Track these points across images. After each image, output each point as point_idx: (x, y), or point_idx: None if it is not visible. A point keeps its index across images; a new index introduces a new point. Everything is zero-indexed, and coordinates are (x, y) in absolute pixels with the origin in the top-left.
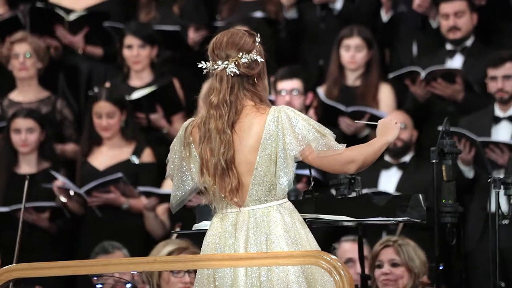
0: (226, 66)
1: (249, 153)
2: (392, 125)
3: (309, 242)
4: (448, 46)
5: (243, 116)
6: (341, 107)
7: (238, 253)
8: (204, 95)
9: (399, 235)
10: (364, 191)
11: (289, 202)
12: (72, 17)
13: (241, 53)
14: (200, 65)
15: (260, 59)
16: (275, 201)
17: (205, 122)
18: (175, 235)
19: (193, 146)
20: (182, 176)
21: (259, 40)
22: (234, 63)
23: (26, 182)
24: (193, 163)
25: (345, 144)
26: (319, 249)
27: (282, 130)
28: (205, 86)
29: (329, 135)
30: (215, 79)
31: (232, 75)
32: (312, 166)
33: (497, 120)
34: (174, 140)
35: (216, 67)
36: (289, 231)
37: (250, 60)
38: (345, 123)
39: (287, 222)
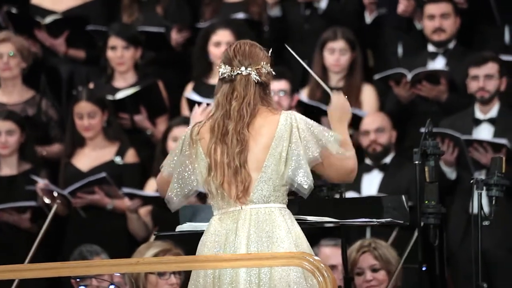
0: (250, 72)
1: (260, 151)
2: (346, 107)
3: (308, 247)
4: (431, 48)
5: (257, 117)
6: (320, 105)
7: (222, 254)
8: (221, 99)
9: (371, 236)
10: (348, 194)
11: (287, 208)
12: (48, 20)
13: (262, 63)
14: (220, 69)
15: (272, 72)
16: (278, 204)
17: (219, 122)
18: (153, 237)
19: (200, 145)
20: (187, 176)
21: (270, 53)
22: (257, 71)
23: (55, 206)
24: (198, 163)
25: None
26: (313, 253)
27: (296, 132)
28: (222, 90)
29: (337, 140)
30: (239, 84)
31: (256, 82)
32: (319, 171)
33: (478, 122)
34: (178, 142)
35: (239, 72)
36: (291, 232)
37: (268, 71)
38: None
39: (289, 225)
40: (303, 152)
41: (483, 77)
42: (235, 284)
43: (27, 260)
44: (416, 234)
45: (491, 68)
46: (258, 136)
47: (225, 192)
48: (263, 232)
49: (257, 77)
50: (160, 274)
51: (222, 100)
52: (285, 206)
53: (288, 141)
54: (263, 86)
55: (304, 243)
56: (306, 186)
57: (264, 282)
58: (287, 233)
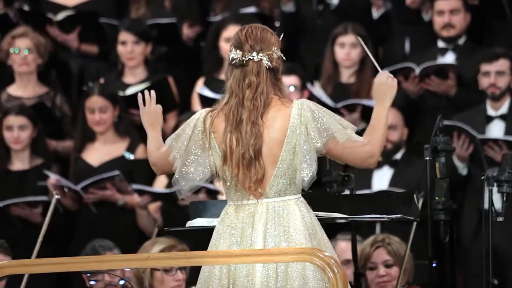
0: (261, 58)
1: (274, 145)
2: (389, 85)
3: (323, 238)
4: (440, 44)
5: (270, 108)
6: (330, 103)
7: (232, 250)
8: (234, 85)
9: (381, 232)
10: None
11: (303, 197)
12: (60, 17)
13: (274, 48)
14: (231, 54)
15: (283, 56)
16: (294, 195)
17: (234, 111)
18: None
19: (214, 137)
20: (198, 165)
21: (281, 37)
22: (268, 56)
23: (54, 199)
24: (213, 153)
25: (366, 136)
26: (331, 245)
27: (305, 123)
28: (233, 76)
29: (350, 128)
30: (251, 71)
31: (267, 68)
32: (332, 158)
33: (490, 119)
34: (187, 127)
35: (250, 57)
36: (307, 225)
37: (279, 56)
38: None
39: (305, 216)
40: (308, 143)
41: (494, 73)
42: (251, 277)
43: (33, 255)
44: (413, 228)
45: (502, 64)
46: (272, 128)
47: (239, 183)
48: (280, 226)
49: (269, 63)
50: (166, 270)
51: (235, 88)
52: (300, 195)
53: (300, 134)
54: (274, 72)
55: (318, 234)
56: (305, 179)
57: (281, 276)
58: (303, 225)
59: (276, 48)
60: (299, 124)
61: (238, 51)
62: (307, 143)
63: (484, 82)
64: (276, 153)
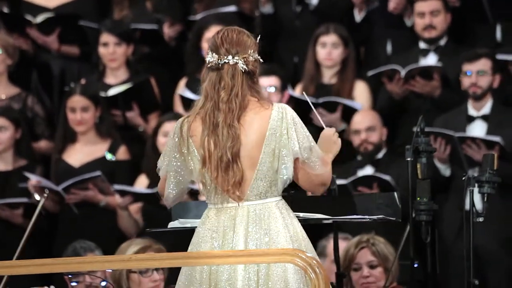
0: (237, 61)
1: (253, 148)
2: (333, 141)
3: (304, 240)
4: (422, 45)
5: (248, 111)
6: (311, 99)
7: (214, 251)
8: (209, 88)
9: (368, 232)
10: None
11: (283, 200)
12: (39, 19)
13: (249, 51)
14: (207, 57)
15: (260, 59)
16: (274, 198)
17: (210, 115)
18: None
19: (192, 141)
20: (181, 172)
21: (258, 40)
22: (244, 60)
23: (42, 200)
24: (192, 158)
25: (322, 166)
26: (312, 247)
27: (286, 126)
28: (209, 79)
29: (317, 149)
30: (226, 74)
31: (243, 71)
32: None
33: (471, 119)
34: (168, 139)
35: (226, 61)
36: (288, 227)
37: (255, 58)
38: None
39: (286, 219)
40: (289, 147)
41: (475, 73)
42: (232, 281)
43: (15, 256)
44: (407, 230)
45: (484, 64)
46: (250, 131)
47: (219, 186)
48: (261, 229)
49: (244, 66)
50: (142, 272)
51: (210, 90)
52: (281, 198)
53: (280, 136)
54: (250, 75)
55: (299, 236)
56: (282, 176)
57: (262, 279)
58: (284, 227)
59: (252, 51)
60: (279, 127)
61: (214, 54)
62: (286, 146)
63: (465, 81)
64: (255, 156)
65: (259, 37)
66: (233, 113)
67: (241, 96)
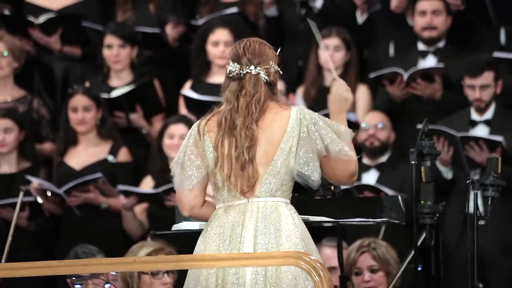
0: (259, 72)
1: (269, 145)
2: (344, 98)
3: (309, 242)
4: (421, 46)
5: (267, 112)
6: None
7: (218, 253)
8: (229, 96)
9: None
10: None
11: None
12: (41, 20)
13: (271, 62)
14: (228, 67)
15: (280, 71)
16: (284, 198)
17: (227, 116)
18: (149, 237)
19: (208, 137)
20: (198, 168)
21: (278, 52)
22: (265, 70)
23: (21, 194)
24: (207, 156)
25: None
26: (316, 249)
27: (306, 126)
28: (229, 88)
29: (346, 137)
30: (248, 83)
31: (265, 81)
32: (322, 168)
33: (474, 123)
34: (186, 138)
35: (248, 71)
36: (297, 226)
37: (276, 70)
38: None
39: (295, 218)
40: (312, 147)
41: (479, 87)
42: (241, 285)
43: (3, 259)
44: (423, 235)
45: (486, 78)
46: (269, 131)
47: (232, 185)
48: (271, 224)
49: (266, 77)
50: (154, 274)
51: (230, 97)
52: (289, 201)
53: (298, 137)
54: (271, 86)
55: (309, 238)
56: (314, 178)
57: (270, 283)
58: (294, 226)
59: (273, 62)
60: (298, 127)
61: (236, 64)
62: (309, 146)
63: (469, 94)
64: (270, 153)
65: (279, 50)
66: (252, 116)
67: (262, 102)
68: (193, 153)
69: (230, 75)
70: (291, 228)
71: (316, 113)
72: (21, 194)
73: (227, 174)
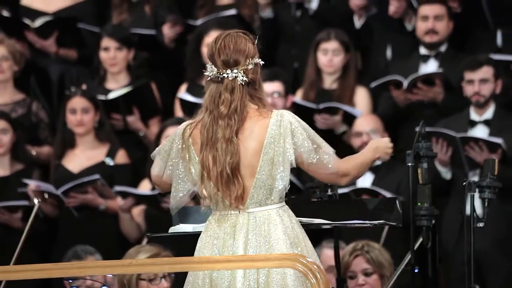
0: (236, 75)
1: (252, 156)
2: (385, 151)
3: (306, 246)
4: (422, 50)
5: (247, 121)
6: (312, 105)
7: (215, 256)
8: (209, 101)
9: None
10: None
11: (286, 205)
12: (37, 23)
13: (248, 60)
14: (206, 73)
15: (261, 62)
16: (275, 204)
17: (208, 129)
18: (145, 240)
19: (193, 149)
20: (183, 178)
21: (256, 41)
22: (243, 71)
23: (36, 207)
24: (193, 166)
25: (337, 159)
26: (314, 251)
27: (283, 134)
28: (209, 91)
29: (325, 147)
30: (225, 89)
31: (243, 84)
32: (310, 174)
33: (473, 123)
34: (167, 142)
35: (225, 75)
36: (288, 233)
37: (254, 64)
38: (320, 120)
39: (286, 225)
40: (283, 155)
41: (478, 81)
42: (232, 286)
43: (12, 261)
44: (420, 238)
45: (486, 72)
46: (249, 140)
47: (220, 198)
48: (261, 236)
49: (244, 78)
50: (151, 279)
51: (210, 104)
52: (283, 203)
53: (277, 145)
54: (251, 83)
55: (301, 242)
56: (279, 188)
57: (262, 287)
58: (284, 233)
59: (251, 58)
60: (277, 135)
61: (213, 67)
62: (282, 155)
63: (468, 90)
64: (254, 164)
65: (257, 38)
66: (232, 128)
67: (240, 110)
68: (180, 163)
69: (208, 78)
70: (280, 236)
71: (299, 121)
72: (36, 207)
73: (214, 189)
